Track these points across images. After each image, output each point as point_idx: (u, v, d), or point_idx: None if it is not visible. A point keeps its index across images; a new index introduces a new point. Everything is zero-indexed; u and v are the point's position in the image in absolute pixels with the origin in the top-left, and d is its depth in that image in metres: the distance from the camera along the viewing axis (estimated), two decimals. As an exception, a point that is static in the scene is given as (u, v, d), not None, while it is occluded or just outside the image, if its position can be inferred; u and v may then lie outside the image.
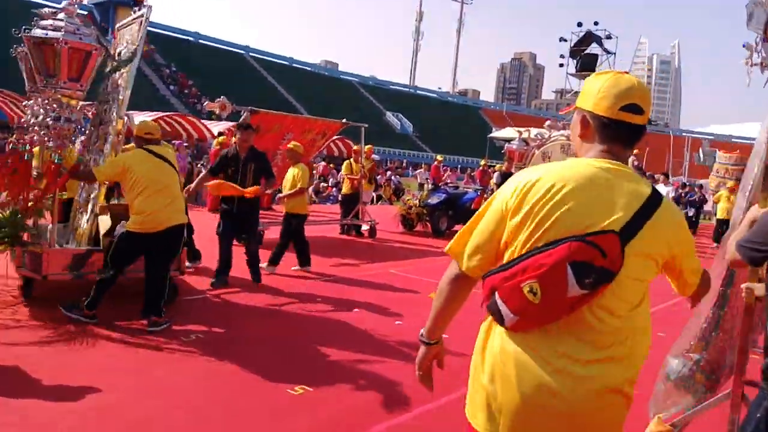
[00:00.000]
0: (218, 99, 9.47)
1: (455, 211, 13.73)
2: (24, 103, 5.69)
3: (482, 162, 21.32)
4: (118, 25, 5.92)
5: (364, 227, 12.35)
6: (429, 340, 1.91)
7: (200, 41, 63.54)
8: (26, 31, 5.10)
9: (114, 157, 5.53)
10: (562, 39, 55.77)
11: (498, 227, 1.71)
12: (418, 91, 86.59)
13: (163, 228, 5.17)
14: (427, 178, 21.49)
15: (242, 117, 9.53)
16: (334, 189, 22.05)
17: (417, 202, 13.67)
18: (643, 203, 1.64)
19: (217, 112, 9.52)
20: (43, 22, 5.06)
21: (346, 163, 12.92)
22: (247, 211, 6.95)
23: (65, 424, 3.39)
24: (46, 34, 4.96)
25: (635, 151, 22.42)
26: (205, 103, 9.75)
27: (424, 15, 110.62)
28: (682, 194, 19.34)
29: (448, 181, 20.42)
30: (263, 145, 10.32)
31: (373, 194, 20.91)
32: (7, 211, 5.33)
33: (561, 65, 57.87)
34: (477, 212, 1.80)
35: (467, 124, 74.08)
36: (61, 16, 5.16)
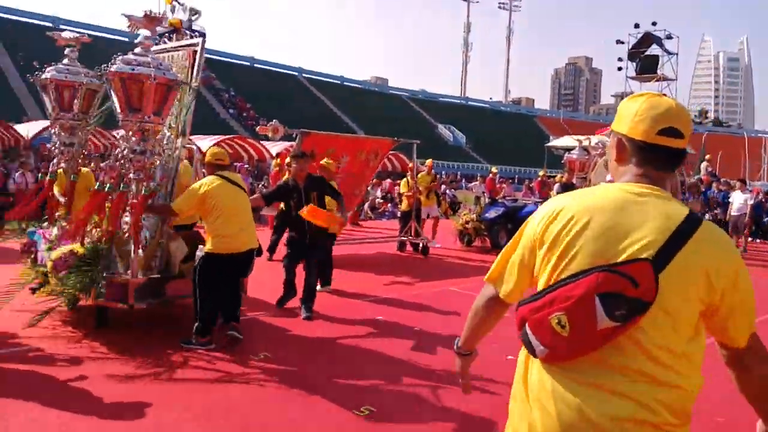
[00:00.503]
0: (270, 123, 9.61)
1: (514, 224, 13.40)
2: (118, 133, 6.04)
3: (541, 173, 20.86)
4: (155, 48, 5.95)
5: (433, 243, 12.31)
6: (464, 351, 2.01)
7: (256, 65, 65.25)
8: (108, 66, 5.25)
9: (188, 190, 5.58)
10: (619, 41, 54.47)
11: (529, 255, 1.71)
12: (470, 102, 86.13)
13: (243, 250, 5.46)
14: (483, 192, 21.19)
15: (295, 140, 9.63)
16: (389, 205, 22.07)
17: (474, 216, 13.46)
18: (678, 226, 1.54)
19: (270, 135, 9.67)
20: (127, 58, 5.21)
21: (404, 180, 12.85)
22: (319, 241, 6.84)
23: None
24: (133, 70, 5.11)
25: (707, 157, 21.52)
26: (257, 128, 9.94)
27: (472, 25, 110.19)
28: (763, 201, 17.39)
29: (505, 194, 20.08)
30: (315, 170, 10.41)
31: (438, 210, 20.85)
32: (86, 247, 5.44)
33: (620, 68, 56.40)
34: (513, 237, 1.79)
35: (522, 133, 73.06)
36: (138, 50, 5.29)
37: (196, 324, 5.30)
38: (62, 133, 6.22)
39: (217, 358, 5.08)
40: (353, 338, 5.94)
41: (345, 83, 73.27)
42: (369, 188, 20.74)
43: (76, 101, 6.13)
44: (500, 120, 78.13)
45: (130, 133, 5.32)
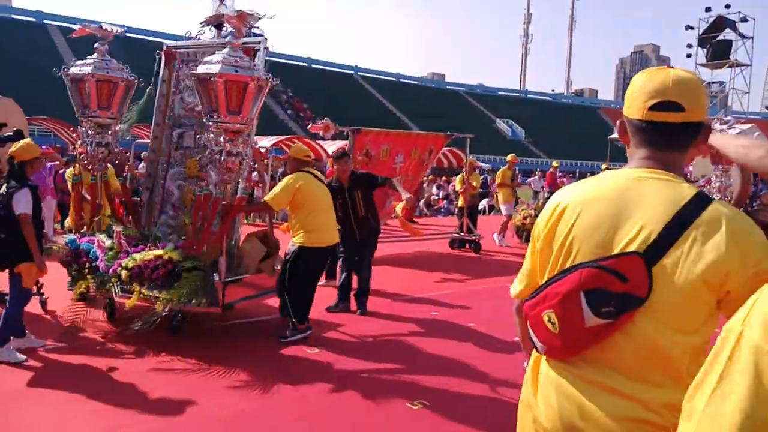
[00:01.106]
0: (322, 120, 9.59)
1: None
2: (199, 136, 5.78)
3: (603, 166, 20.20)
4: (191, 42, 6.02)
5: (500, 242, 12.25)
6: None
7: (313, 66, 66.10)
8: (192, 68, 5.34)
9: (283, 184, 5.62)
10: (688, 27, 52.11)
11: (537, 252, 1.65)
12: (529, 95, 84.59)
13: (331, 244, 5.76)
14: (542, 186, 20.66)
15: (347, 138, 9.59)
16: (444, 202, 21.84)
17: (532, 212, 13.10)
18: (678, 212, 1.40)
19: (321, 133, 9.66)
20: (227, 59, 4.98)
21: (459, 176, 12.62)
22: (369, 236, 6.85)
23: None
24: (237, 71, 4.95)
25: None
26: (309, 126, 9.93)
27: (532, 16, 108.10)
28: None
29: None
30: (377, 173, 10.31)
31: (485, 204, 20.50)
32: (189, 263, 5.11)
33: (689, 56, 54.06)
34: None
35: (585, 125, 71.22)
36: (228, 50, 5.10)
37: (293, 319, 5.48)
38: (92, 132, 5.94)
39: (272, 353, 5.15)
40: (407, 334, 5.95)
41: (401, 80, 73.25)
42: (424, 185, 20.61)
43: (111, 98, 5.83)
44: (561, 112, 76.42)
45: (221, 135, 5.10)
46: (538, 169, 29.37)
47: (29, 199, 4.77)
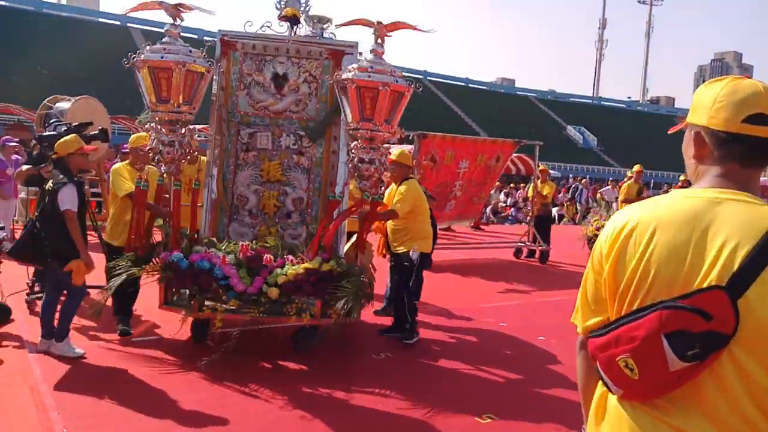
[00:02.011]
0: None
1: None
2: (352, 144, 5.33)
3: (682, 177, 19.32)
4: (256, 34, 5.55)
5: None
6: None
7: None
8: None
9: (407, 192, 5.76)
10: (773, 34, 49.47)
11: (599, 280, 1.49)
12: (603, 102, 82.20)
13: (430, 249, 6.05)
14: (616, 197, 19.96)
15: (413, 143, 9.53)
16: (512, 209, 21.44)
17: (605, 222, 12.64)
18: (762, 238, 1.25)
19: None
20: (363, 65, 5.04)
21: (531, 184, 12.31)
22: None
23: None
24: (370, 77, 4.93)
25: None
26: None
27: (607, 21, 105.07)
28: None
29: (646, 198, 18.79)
30: (440, 178, 10.23)
31: (555, 213, 19.95)
32: (332, 264, 4.91)
33: (773, 63, 51.19)
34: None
35: (660, 134, 68.47)
36: (371, 57, 5.16)
37: (409, 323, 5.62)
38: (161, 129, 5.04)
39: (337, 358, 5.15)
40: (473, 344, 5.85)
41: (470, 85, 72.64)
42: (492, 191, 20.30)
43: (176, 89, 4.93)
44: (636, 120, 73.84)
45: (358, 141, 5.13)
46: (610, 179, 28.43)
47: (74, 196, 4.71)
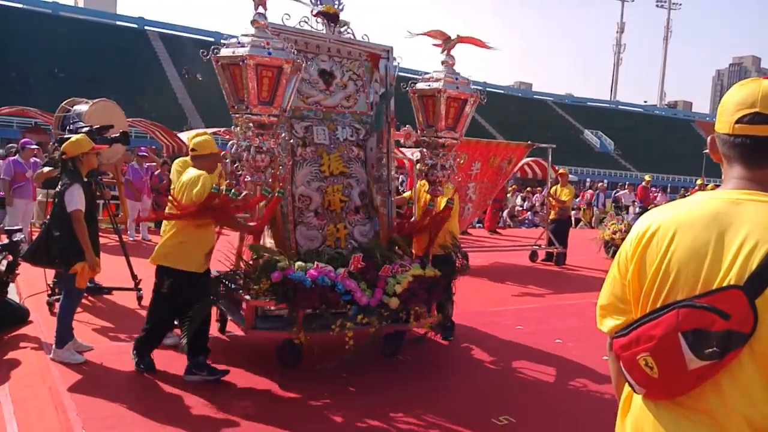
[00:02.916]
0: (403, 128, 9.52)
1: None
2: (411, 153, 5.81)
3: (699, 181, 19.14)
4: (296, 30, 5.21)
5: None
6: None
7: (400, 73, 66.51)
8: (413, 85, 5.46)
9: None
10: (794, 37, 48.98)
11: (623, 282, 1.51)
12: (620, 107, 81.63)
13: None
14: (633, 201, 19.81)
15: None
16: (528, 213, 21.32)
17: (622, 226, 12.52)
18: None
19: (402, 141, 9.57)
20: (429, 76, 5.29)
21: (553, 188, 12.19)
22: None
23: None
24: (429, 85, 5.23)
25: None
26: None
27: (626, 25, 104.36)
28: None
29: (662, 202, 18.64)
30: (453, 178, 10.25)
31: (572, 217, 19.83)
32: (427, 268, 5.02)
33: (793, 67, 50.64)
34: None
35: (678, 138, 67.94)
36: (444, 68, 5.41)
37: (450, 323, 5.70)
38: (251, 134, 4.52)
39: (352, 361, 5.02)
40: (492, 347, 5.81)
41: (487, 89, 72.44)
42: (509, 195, 20.20)
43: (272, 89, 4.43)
44: (653, 124, 73.23)
45: (428, 149, 5.45)
46: (627, 183, 28.18)
47: (81, 196, 4.63)
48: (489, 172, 10.66)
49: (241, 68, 4.27)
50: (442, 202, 5.64)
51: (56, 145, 6.20)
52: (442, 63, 5.40)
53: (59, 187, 4.81)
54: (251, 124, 4.49)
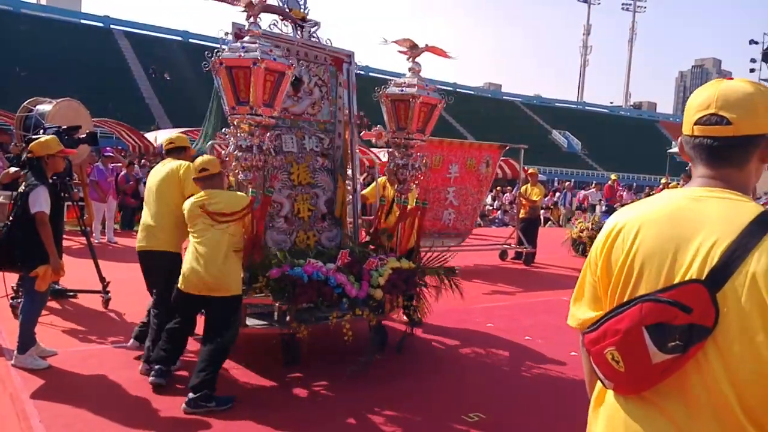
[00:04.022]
0: (375, 128, 9.52)
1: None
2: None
3: (663, 180, 19.60)
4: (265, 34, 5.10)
5: None
6: None
7: (370, 74, 66.57)
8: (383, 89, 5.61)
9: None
10: (752, 41, 50.39)
11: (594, 278, 1.54)
12: (587, 107, 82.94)
13: None
14: (600, 199, 20.13)
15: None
16: (499, 212, 21.51)
17: (590, 224, 12.75)
18: (740, 233, 1.29)
19: (374, 141, 9.57)
20: (401, 81, 5.60)
21: (524, 187, 12.29)
22: None
23: None
24: (402, 90, 5.51)
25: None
26: (361, 133, 9.83)
27: (592, 27, 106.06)
28: None
29: (627, 201, 18.97)
30: (431, 183, 10.15)
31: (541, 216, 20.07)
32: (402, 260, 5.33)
33: (752, 71, 52.10)
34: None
35: (643, 138, 69.29)
36: (409, 75, 5.69)
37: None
38: (240, 135, 4.63)
39: (324, 360, 5.07)
40: (462, 345, 5.86)
41: (457, 89, 72.94)
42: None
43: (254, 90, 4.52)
44: (619, 125, 74.61)
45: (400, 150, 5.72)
46: (594, 182, 28.65)
47: (47, 198, 4.52)
48: (469, 177, 10.51)
49: (248, 71, 4.41)
50: (412, 200, 5.84)
51: (23, 145, 6.05)
52: (410, 69, 5.69)
53: (23, 187, 4.66)
54: (252, 124, 4.60)
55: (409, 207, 5.72)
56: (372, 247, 5.51)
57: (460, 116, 61.69)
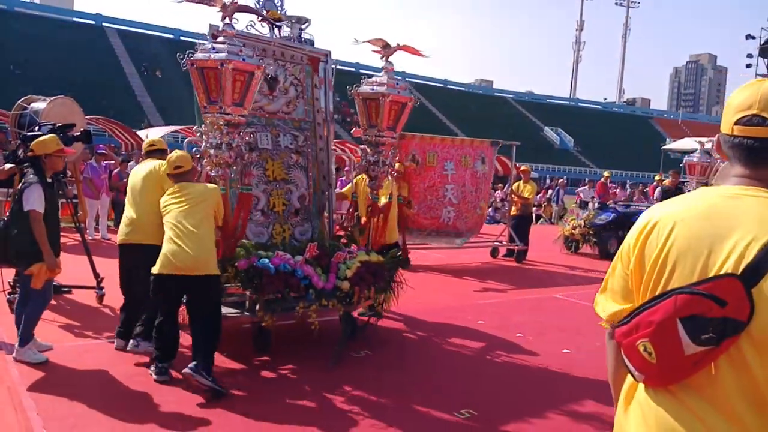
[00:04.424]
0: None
1: (626, 231, 12.68)
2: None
3: (657, 177, 19.71)
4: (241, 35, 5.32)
5: None
6: None
7: (360, 71, 66.53)
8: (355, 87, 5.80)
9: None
10: (749, 36, 50.59)
11: (626, 271, 1.55)
12: (580, 104, 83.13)
13: None
14: (592, 196, 20.24)
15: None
16: (490, 209, 21.57)
17: (581, 222, 12.84)
18: None
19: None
20: (372, 80, 5.79)
21: (516, 184, 12.36)
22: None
23: None
24: (373, 89, 5.69)
25: None
26: (352, 130, 9.88)
27: (585, 23, 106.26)
28: None
29: (620, 198, 19.11)
30: (428, 180, 10.17)
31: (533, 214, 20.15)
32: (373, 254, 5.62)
33: (749, 66, 52.37)
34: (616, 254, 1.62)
35: (636, 135, 69.56)
36: (382, 74, 5.81)
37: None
38: (211, 133, 4.83)
39: (315, 356, 5.11)
40: (453, 342, 5.89)
41: (448, 86, 72.97)
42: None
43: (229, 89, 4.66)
44: (612, 121, 74.85)
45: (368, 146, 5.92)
46: (587, 179, 28.78)
47: (40, 196, 4.54)
48: (468, 176, 10.44)
49: (218, 71, 4.55)
50: (384, 196, 6.15)
51: (20, 142, 6.09)
52: (383, 68, 5.80)
53: (21, 184, 4.72)
54: (222, 123, 4.75)
55: (381, 203, 6.00)
56: (344, 241, 5.74)
57: (451, 113, 61.74)
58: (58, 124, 5.97)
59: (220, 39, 4.72)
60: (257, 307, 4.80)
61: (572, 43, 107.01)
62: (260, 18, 5.44)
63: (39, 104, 7.89)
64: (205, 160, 4.88)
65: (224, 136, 4.77)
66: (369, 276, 5.27)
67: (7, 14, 47.21)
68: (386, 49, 5.80)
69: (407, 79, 76.01)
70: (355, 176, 7.03)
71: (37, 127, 6.07)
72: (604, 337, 1.66)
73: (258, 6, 5.48)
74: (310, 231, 5.93)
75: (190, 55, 4.63)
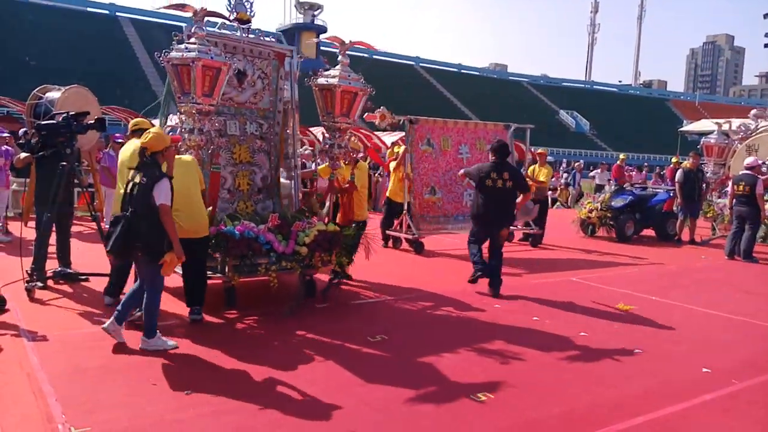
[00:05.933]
0: (378, 109, 9.52)
1: (643, 214, 12.59)
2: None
3: (674, 159, 19.43)
4: (216, 32, 6.35)
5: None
6: None
7: (374, 56, 66.19)
8: (313, 78, 6.43)
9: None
10: (767, 15, 49.60)
11: None
12: (595, 86, 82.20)
13: None
14: (609, 179, 20.03)
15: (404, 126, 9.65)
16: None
17: (598, 205, 12.70)
18: None
19: (377, 122, 9.59)
20: (327, 73, 6.44)
21: (531, 167, 12.20)
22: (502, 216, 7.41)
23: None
24: (327, 81, 6.33)
25: None
26: (364, 114, 9.83)
27: (599, 5, 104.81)
28: None
29: (637, 181, 18.90)
30: (445, 165, 10.14)
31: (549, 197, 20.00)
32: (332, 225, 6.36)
33: (766, 45, 51.37)
34: None
35: (653, 118, 68.69)
36: (339, 67, 6.43)
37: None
38: (193, 120, 5.61)
39: (332, 341, 5.17)
40: (471, 326, 5.90)
41: (462, 71, 72.45)
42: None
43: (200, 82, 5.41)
44: (628, 104, 73.97)
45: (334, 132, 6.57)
46: (602, 162, 28.51)
47: (169, 190, 4.76)
48: (483, 159, 10.41)
49: (190, 68, 5.37)
50: (346, 175, 7.02)
51: (33, 131, 6.12)
52: (339, 62, 6.45)
53: (140, 179, 4.71)
54: (194, 111, 5.56)
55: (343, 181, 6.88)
56: (307, 214, 6.49)
57: (465, 97, 61.35)
58: (72, 113, 5.99)
59: (193, 39, 5.52)
60: (226, 269, 5.73)
61: (587, 25, 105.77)
62: (231, 19, 6.22)
63: (54, 93, 7.94)
64: (180, 143, 5.64)
65: (196, 122, 5.58)
66: (325, 243, 6.07)
67: (22, 5, 47.53)
68: (342, 45, 6.46)
69: (420, 64, 76.20)
70: (320, 158, 7.62)
71: (51, 116, 6.11)
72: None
73: (230, 8, 6.22)
74: (270, 207, 6.74)
75: (166, 53, 5.47)
